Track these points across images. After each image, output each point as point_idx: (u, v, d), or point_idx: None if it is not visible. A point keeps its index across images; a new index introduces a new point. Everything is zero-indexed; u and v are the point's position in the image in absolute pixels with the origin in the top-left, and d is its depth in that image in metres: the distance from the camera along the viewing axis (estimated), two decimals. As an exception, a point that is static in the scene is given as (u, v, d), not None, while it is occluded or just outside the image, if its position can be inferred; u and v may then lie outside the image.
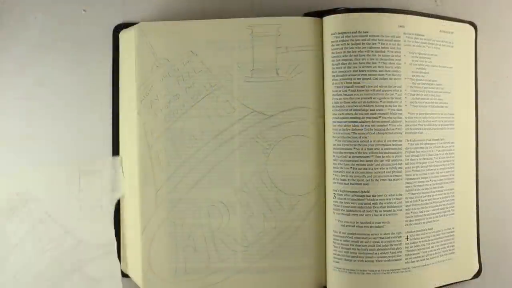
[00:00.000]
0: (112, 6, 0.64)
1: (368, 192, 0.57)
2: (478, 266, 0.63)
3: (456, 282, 0.62)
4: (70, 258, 0.61)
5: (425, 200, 0.59)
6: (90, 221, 0.62)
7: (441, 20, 0.61)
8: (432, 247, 0.59)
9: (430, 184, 0.59)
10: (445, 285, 0.61)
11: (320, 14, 0.59)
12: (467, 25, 0.63)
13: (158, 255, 0.59)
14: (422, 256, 0.59)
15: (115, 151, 0.63)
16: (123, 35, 0.62)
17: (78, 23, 0.64)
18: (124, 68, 0.62)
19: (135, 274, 0.60)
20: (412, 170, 0.58)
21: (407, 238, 0.58)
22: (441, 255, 0.60)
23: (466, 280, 0.63)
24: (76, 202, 0.62)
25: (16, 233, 0.62)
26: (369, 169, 0.57)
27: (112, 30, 0.63)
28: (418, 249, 0.58)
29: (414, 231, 0.58)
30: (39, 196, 0.62)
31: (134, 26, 0.60)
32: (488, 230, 0.64)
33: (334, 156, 0.58)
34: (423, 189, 0.58)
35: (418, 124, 0.58)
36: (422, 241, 0.59)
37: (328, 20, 0.58)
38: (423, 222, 0.59)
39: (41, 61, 0.64)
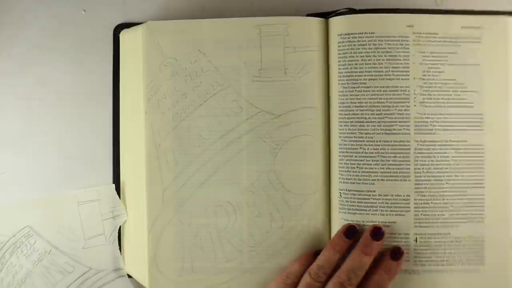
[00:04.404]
0: (112, 6, 0.68)
1: (374, 191, 0.60)
2: None
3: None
4: (82, 287, 0.65)
5: (439, 203, 0.60)
6: (96, 249, 0.65)
7: (464, 16, 0.61)
8: (449, 253, 0.60)
9: (447, 188, 0.60)
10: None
11: (324, 15, 0.63)
12: (503, 16, 0.62)
13: (164, 254, 0.63)
14: (436, 261, 0.60)
15: (116, 150, 0.66)
16: (124, 35, 0.66)
17: (78, 23, 0.67)
18: (126, 68, 0.66)
19: (140, 273, 0.64)
20: (423, 171, 0.60)
21: (416, 240, 0.60)
22: (463, 263, 0.60)
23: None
24: (79, 232, 0.65)
25: (23, 267, 0.65)
26: (375, 168, 0.60)
27: (112, 30, 0.67)
28: (430, 253, 0.60)
29: (425, 234, 0.60)
30: (41, 228, 0.65)
31: (142, 25, 0.64)
32: None
33: (340, 155, 0.61)
34: (436, 192, 0.60)
35: (430, 125, 0.60)
36: (435, 245, 0.60)
37: (334, 21, 0.62)
38: (437, 226, 0.60)
39: (41, 61, 0.67)
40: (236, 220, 0.62)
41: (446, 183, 0.60)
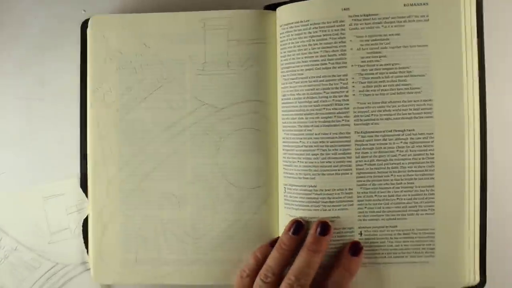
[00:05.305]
0: (112, 6, 0.66)
1: (315, 186, 0.55)
2: (478, 277, 0.57)
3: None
4: (50, 282, 0.64)
5: (384, 196, 0.55)
6: (61, 243, 0.64)
7: None
8: (396, 245, 0.56)
9: (392, 180, 0.55)
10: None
11: (277, 6, 0.58)
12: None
13: (109, 246, 0.60)
14: (383, 254, 0.56)
15: (83, 146, 0.64)
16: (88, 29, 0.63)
17: (78, 23, 0.65)
18: (88, 61, 0.63)
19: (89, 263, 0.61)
20: (365, 164, 0.55)
21: (361, 234, 0.56)
22: (411, 256, 0.56)
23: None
24: (45, 227, 0.64)
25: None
26: (315, 163, 0.55)
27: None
28: (376, 246, 0.56)
29: (370, 227, 0.56)
30: (6, 225, 0.64)
31: (89, 19, 0.61)
32: (496, 238, 0.58)
33: (283, 149, 0.57)
34: (380, 185, 0.55)
35: (372, 114, 0.55)
36: (380, 238, 0.56)
37: (279, 11, 0.57)
38: (382, 219, 0.56)
39: (41, 61, 0.66)
40: (180, 212, 0.59)
41: (391, 175, 0.55)
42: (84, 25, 0.63)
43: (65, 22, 0.66)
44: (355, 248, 0.55)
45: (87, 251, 0.63)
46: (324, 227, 0.54)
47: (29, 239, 0.63)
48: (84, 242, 0.63)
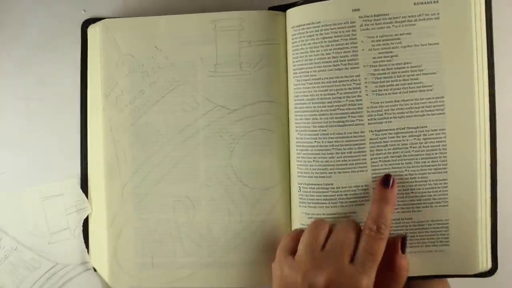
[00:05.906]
0: (113, 6, 0.65)
1: (332, 184, 0.56)
2: (490, 264, 0.58)
3: (458, 276, 0.58)
4: (50, 282, 0.64)
5: (399, 190, 0.56)
6: (61, 243, 0.64)
7: None
8: (412, 236, 0.57)
9: (406, 175, 0.55)
10: (441, 276, 0.58)
11: (285, 8, 0.59)
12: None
13: (124, 250, 0.60)
14: None
15: (83, 145, 0.64)
16: (91, 30, 0.63)
17: (78, 23, 0.65)
18: (91, 63, 0.63)
19: (102, 268, 0.62)
20: (380, 160, 0.55)
21: None
22: (427, 245, 0.57)
23: (471, 276, 0.58)
24: (44, 227, 0.64)
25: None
26: (331, 162, 0.55)
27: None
28: None
29: None
30: (6, 225, 0.64)
31: (99, 22, 0.61)
32: (497, 237, 0.58)
33: (297, 149, 0.57)
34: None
35: (385, 113, 0.55)
36: (396, 230, 0.56)
37: (289, 13, 0.58)
38: (398, 212, 0.56)
39: (41, 61, 0.66)
40: (194, 215, 0.59)
41: (405, 170, 0.55)
42: (84, 25, 0.63)
43: (65, 22, 0.65)
44: (387, 179, 0.55)
45: (88, 251, 0.63)
46: (387, 179, 0.55)
47: (29, 239, 0.63)
48: (85, 243, 0.63)
